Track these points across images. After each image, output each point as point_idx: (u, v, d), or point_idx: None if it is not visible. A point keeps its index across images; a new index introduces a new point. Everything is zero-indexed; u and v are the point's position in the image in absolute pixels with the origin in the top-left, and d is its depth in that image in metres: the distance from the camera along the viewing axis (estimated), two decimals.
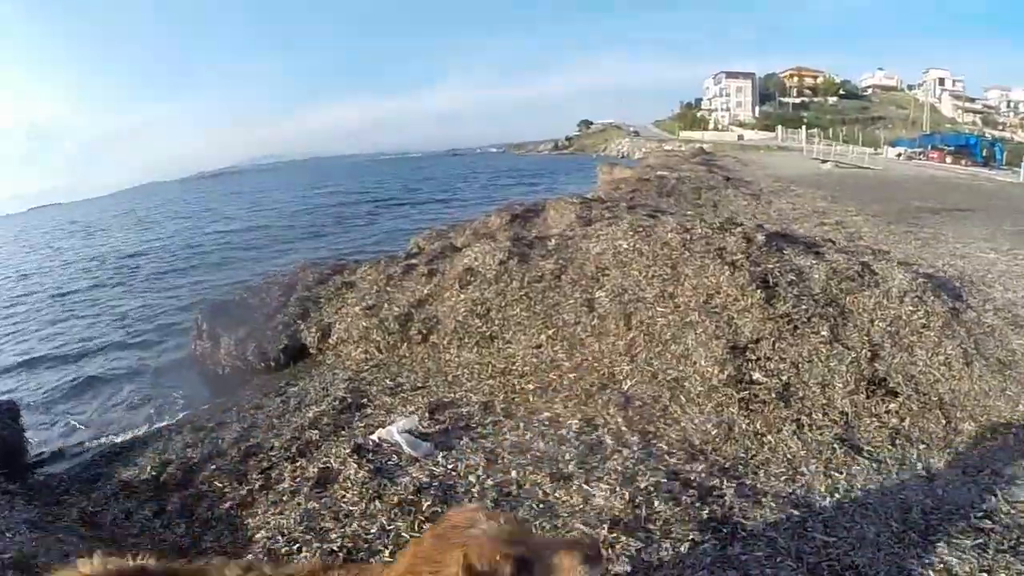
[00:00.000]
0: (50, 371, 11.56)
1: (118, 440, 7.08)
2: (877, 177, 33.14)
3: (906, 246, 11.53)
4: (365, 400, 6.17)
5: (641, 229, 7.99)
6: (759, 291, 6.43)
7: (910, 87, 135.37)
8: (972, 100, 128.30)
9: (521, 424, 5.27)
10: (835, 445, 4.76)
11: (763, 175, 30.05)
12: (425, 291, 8.30)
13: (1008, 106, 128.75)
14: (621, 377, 5.86)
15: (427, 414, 5.55)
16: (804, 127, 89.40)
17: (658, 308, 6.50)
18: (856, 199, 19.75)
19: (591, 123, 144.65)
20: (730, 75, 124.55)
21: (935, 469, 4.56)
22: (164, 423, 7.51)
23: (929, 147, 66.76)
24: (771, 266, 6.96)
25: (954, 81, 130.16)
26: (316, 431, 5.42)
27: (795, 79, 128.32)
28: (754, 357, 5.79)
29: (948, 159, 60.43)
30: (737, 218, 13.44)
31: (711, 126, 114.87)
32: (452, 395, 6.10)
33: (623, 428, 5.08)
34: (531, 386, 5.99)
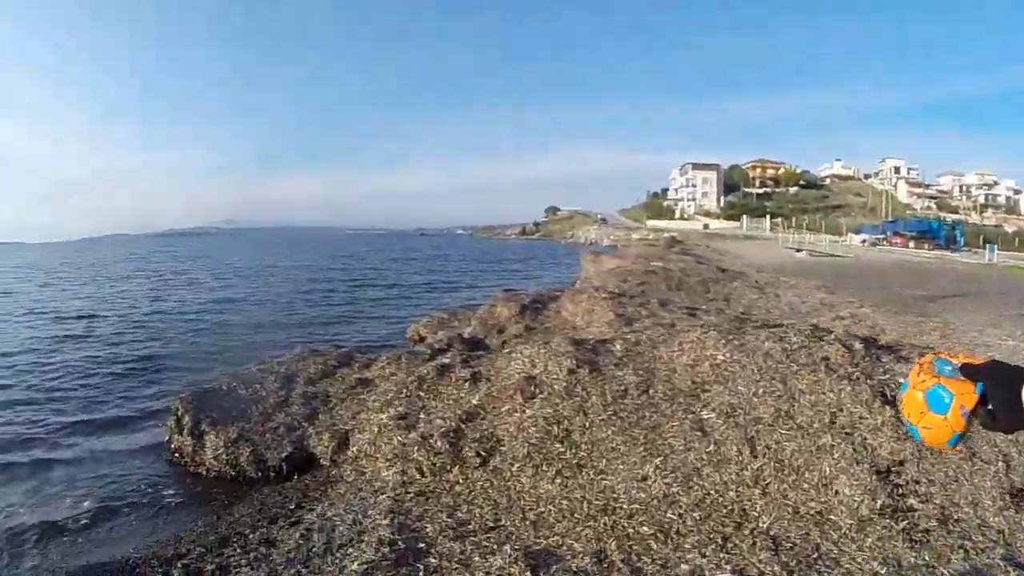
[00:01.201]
0: None
1: None
2: (853, 265, 33.18)
3: (928, 337, 11.22)
4: (423, 545, 4.67)
5: (732, 337, 6.97)
6: (887, 407, 5.57)
7: (867, 176, 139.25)
8: (927, 186, 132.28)
9: None
10: (1007, 568, 4.13)
11: (744, 265, 29.86)
12: (474, 401, 6.92)
13: (960, 190, 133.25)
14: (755, 513, 4.69)
15: (527, 572, 4.17)
16: (768, 217, 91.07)
17: (780, 430, 5.43)
18: (849, 289, 19.39)
19: (558, 210, 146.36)
20: (696, 166, 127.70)
21: None
22: (130, 549, 5.70)
23: (891, 233, 67.68)
24: (882, 377, 6.14)
25: (909, 169, 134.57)
26: None
27: (757, 170, 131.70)
28: (903, 481, 4.96)
29: (911, 244, 61.16)
30: (754, 312, 12.68)
31: (677, 215, 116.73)
32: (544, 542, 4.65)
33: None
34: (646, 529, 4.63)
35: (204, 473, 7.20)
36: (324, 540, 4.96)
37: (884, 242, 65.46)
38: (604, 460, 5.48)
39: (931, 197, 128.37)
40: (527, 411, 6.34)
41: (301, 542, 4.98)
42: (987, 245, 56.00)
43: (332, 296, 27.99)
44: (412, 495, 5.59)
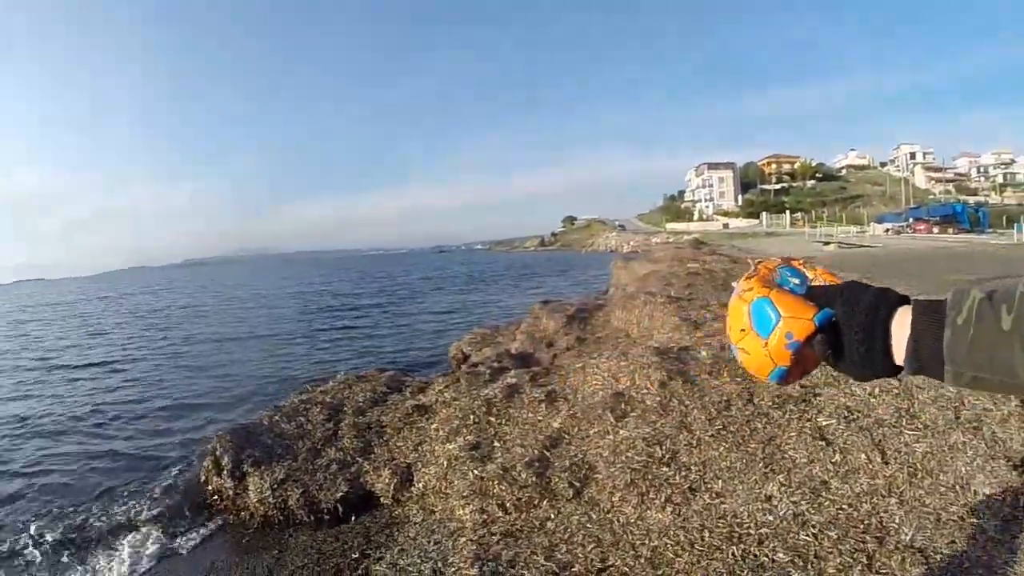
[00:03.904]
0: None
1: None
2: (884, 254, 32.85)
3: None
4: None
5: None
6: (1009, 397, 5.05)
7: (882, 164, 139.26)
8: (944, 170, 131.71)
9: None
10: None
11: None
12: (555, 424, 6.29)
13: (978, 171, 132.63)
14: (895, 525, 4.12)
15: None
16: (787, 212, 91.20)
17: (907, 431, 4.92)
18: (890, 277, 18.76)
19: (575, 219, 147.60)
20: (712, 166, 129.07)
21: None
22: None
23: (913, 220, 67.30)
24: None
25: (924, 153, 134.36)
26: None
27: (773, 166, 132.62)
28: None
29: (935, 229, 60.65)
30: None
31: (696, 217, 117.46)
32: None
33: None
34: (782, 556, 4.01)
35: (248, 518, 6.66)
36: None
37: (907, 229, 65.00)
38: (720, 481, 4.89)
39: (949, 180, 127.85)
40: (621, 432, 5.73)
41: None
42: (1015, 224, 55.06)
43: (361, 318, 27.92)
44: (497, 536, 4.98)
